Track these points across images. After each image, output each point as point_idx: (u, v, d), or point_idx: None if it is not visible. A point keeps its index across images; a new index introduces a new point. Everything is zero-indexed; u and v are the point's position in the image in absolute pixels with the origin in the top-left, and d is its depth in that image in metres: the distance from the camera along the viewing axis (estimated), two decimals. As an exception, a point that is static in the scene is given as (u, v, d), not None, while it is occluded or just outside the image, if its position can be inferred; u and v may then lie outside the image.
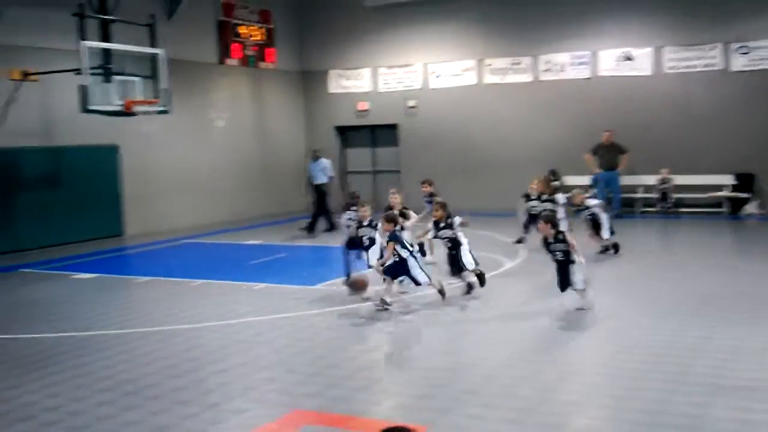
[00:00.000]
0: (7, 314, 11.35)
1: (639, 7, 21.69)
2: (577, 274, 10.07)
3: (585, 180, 21.69)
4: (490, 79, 23.62)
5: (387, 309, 10.39)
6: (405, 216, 12.30)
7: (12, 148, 17.32)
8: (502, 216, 21.52)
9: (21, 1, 17.52)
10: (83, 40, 15.68)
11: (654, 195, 21.47)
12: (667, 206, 21.12)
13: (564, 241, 10.15)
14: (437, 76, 24.38)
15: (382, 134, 25.82)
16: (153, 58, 17.27)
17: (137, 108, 16.63)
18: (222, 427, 6.61)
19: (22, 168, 17.67)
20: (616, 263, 14.08)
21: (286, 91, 25.98)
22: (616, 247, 14.70)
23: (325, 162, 20.32)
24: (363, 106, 25.50)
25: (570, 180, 22.30)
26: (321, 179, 20.04)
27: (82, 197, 18.57)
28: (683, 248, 16.94)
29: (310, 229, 19.22)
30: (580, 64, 22.38)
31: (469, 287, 11.47)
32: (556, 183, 14.95)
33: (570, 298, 10.21)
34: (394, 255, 10.67)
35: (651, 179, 21.53)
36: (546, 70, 22.83)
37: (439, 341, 9.03)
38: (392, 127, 25.25)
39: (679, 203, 21.24)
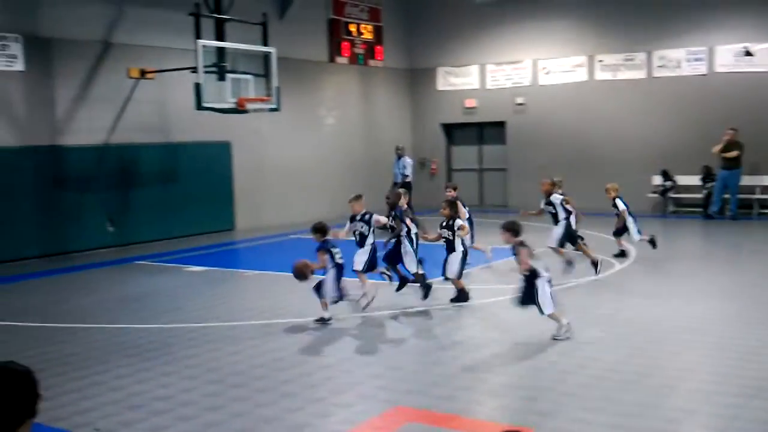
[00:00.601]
0: (121, 305, 11.77)
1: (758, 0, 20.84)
2: (541, 296, 8.87)
3: (698, 180, 21.08)
4: (601, 75, 23.13)
5: (326, 323, 10.00)
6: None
7: (130, 144, 17.98)
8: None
9: (139, 1, 18.18)
10: (198, 39, 16.10)
11: (773, 196, 20.66)
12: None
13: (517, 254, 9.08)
14: (547, 73, 24.04)
15: (489, 132, 25.65)
16: (265, 56, 17.62)
17: (249, 105, 16.97)
18: (327, 421, 6.70)
19: (140, 163, 18.31)
20: (725, 267, 13.60)
21: (394, 89, 26.10)
22: (652, 243, 14.69)
23: (407, 160, 20.34)
24: (471, 103, 25.39)
25: (684, 180, 21.68)
26: (398, 178, 20.12)
27: (195, 192, 19.12)
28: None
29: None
30: (696, 60, 21.65)
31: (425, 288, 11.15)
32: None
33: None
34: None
35: (770, 180, 20.74)
36: (660, 66, 22.19)
37: (545, 341, 8.90)
38: (500, 125, 25.04)
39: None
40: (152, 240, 17.99)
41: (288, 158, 21.74)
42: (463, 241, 11.37)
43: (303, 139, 22.42)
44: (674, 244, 17.66)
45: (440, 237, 11.35)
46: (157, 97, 18.53)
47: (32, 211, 16.31)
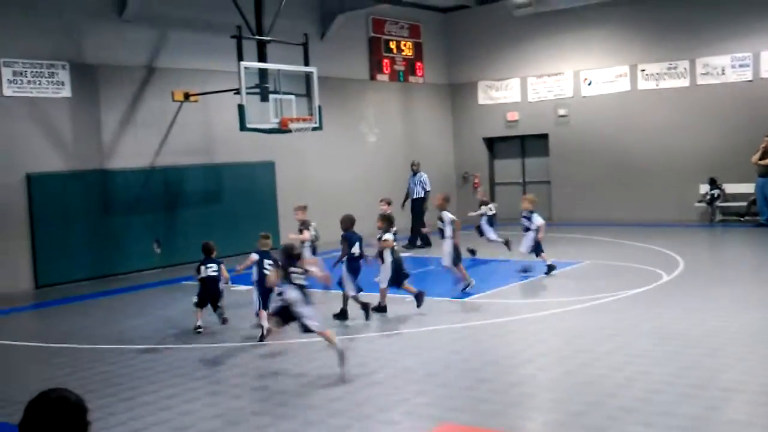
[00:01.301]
0: (168, 325, 11.88)
1: (806, 4, 20.51)
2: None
3: (746, 188, 20.75)
4: (644, 84, 22.90)
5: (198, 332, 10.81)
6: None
7: (175, 167, 18.22)
8: (659, 227, 20.84)
9: (182, 26, 18.46)
10: (241, 60, 16.28)
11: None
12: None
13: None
14: (589, 84, 23.88)
15: (531, 144, 25.52)
16: (307, 76, 17.76)
17: (292, 125, 17.09)
18: (374, 438, 6.68)
19: (185, 185, 18.53)
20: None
21: (435, 104, 26.12)
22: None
23: (423, 176, 20.27)
24: (512, 116, 25.30)
25: (731, 188, 21.34)
26: (419, 193, 20.03)
27: (240, 212, 19.28)
28: None
29: (412, 243, 19.38)
30: (741, 66, 21.32)
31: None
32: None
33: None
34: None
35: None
36: (704, 74, 21.90)
37: (594, 355, 8.80)
38: (542, 137, 24.92)
39: None
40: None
41: (330, 176, 21.84)
42: (391, 251, 11.84)
43: (345, 156, 22.51)
44: (723, 253, 17.39)
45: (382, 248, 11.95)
46: (201, 119, 18.78)
47: (81, 234, 16.59)
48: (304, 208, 13.75)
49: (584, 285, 13.09)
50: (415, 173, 20.49)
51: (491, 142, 26.32)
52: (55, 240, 16.10)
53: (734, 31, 21.28)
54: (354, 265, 11.64)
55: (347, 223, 12.03)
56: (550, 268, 14.38)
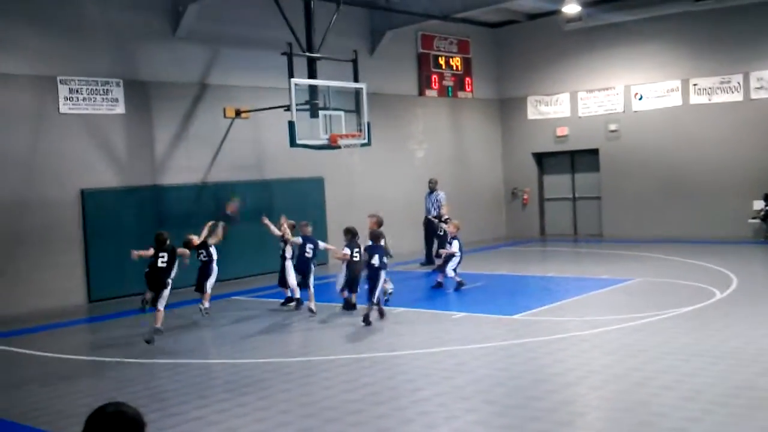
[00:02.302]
0: (218, 340, 11.98)
1: None
2: None
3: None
4: (696, 99, 22.59)
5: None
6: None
7: (226, 182, 18.42)
8: (713, 244, 20.51)
9: (234, 43, 18.72)
10: (291, 77, 16.40)
11: None
12: None
13: None
14: (640, 98, 23.63)
15: (581, 160, 25.32)
16: (356, 92, 17.84)
17: (342, 141, 17.16)
18: (422, 456, 6.64)
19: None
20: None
21: (484, 120, 26.07)
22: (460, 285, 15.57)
23: (440, 194, 20.00)
24: (562, 131, 25.14)
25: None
26: (434, 212, 19.81)
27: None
28: None
29: (428, 261, 19.29)
30: (797, 80, 20.95)
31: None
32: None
33: None
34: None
35: None
36: (759, 88, 21.53)
37: (646, 374, 8.66)
38: (593, 152, 24.71)
39: None
40: (248, 275, 18.32)
41: (379, 192, 21.86)
42: (348, 263, 13.04)
43: (394, 172, 22.55)
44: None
45: (344, 257, 13.04)
46: (251, 135, 18.98)
47: (134, 248, 16.78)
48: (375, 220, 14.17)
49: (636, 302, 12.92)
50: (431, 191, 20.20)
51: (540, 158, 26.17)
52: (108, 255, 16.35)
53: (790, 44, 20.92)
54: (369, 274, 12.58)
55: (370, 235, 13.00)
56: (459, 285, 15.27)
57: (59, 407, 8.57)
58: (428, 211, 20.07)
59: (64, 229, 15.97)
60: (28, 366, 10.89)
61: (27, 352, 11.60)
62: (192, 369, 10.13)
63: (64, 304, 15.58)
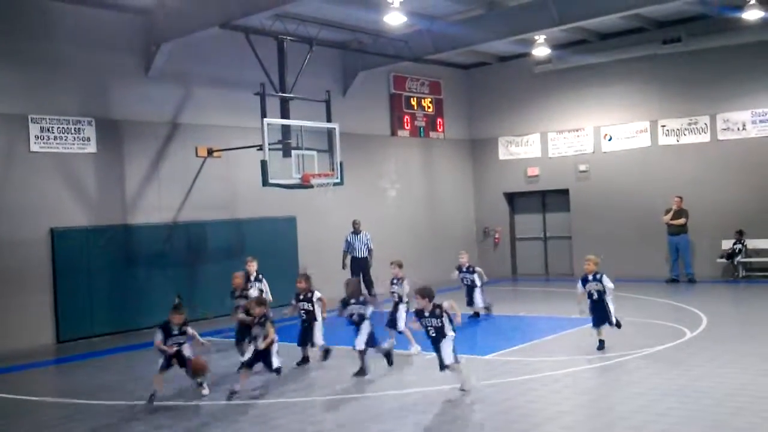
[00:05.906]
0: (188, 381, 11.83)
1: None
2: (445, 349, 9.95)
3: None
4: (665, 140, 22.93)
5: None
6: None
7: (198, 222, 18.36)
8: (681, 283, 20.67)
9: (206, 83, 18.78)
10: (264, 117, 16.47)
11: None
12: None
13: (440, 316, 9.97)
14: (609, 139, 23.95)
15: (552, 199, 25.55)
16: (329, 132, 17.94)
17: (314, 180, 17.21)
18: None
19: (208, 240, 18.64)
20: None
21: (456, 159, 26.26)
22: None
23: (366, 235, 20.08)
24: (533, 171, 25.37)
25: (757, 244, 21.18)
26: (362, 252, 19.85)
27: (262, 267, 19.25)
28: None
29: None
30: (762, 121, 21.33)
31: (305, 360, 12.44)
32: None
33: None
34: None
35: None
36: (725, 129, 21.91)
37: (617, 414, 8.67)
38: (563, 192, 24.94)
39: None
40: (221, 316, 18.15)
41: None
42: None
43: (366, 211, 22.55)
44: (746, 309, 17.17)
45: (297, 309, 12.56)
46: (224, 174, 18.98)
47: (104, 288, 16.68)
48: (400, 265, 14.29)
49: (607, 342, 12.94)
50: (357, 232, 20.17)
51: (512, 197, 26.37)
52: (78, 295, 16.20)
53: (754, 86, 21.36)
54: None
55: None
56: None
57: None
58: (357, 251, 19.97)
59: (33, 269, 15.78)
60: (-6, 408, 10.68)
61: (-7, 394, 11.39)
62: (167, 411, 9.97)
63: (33, 344, 15.34)
